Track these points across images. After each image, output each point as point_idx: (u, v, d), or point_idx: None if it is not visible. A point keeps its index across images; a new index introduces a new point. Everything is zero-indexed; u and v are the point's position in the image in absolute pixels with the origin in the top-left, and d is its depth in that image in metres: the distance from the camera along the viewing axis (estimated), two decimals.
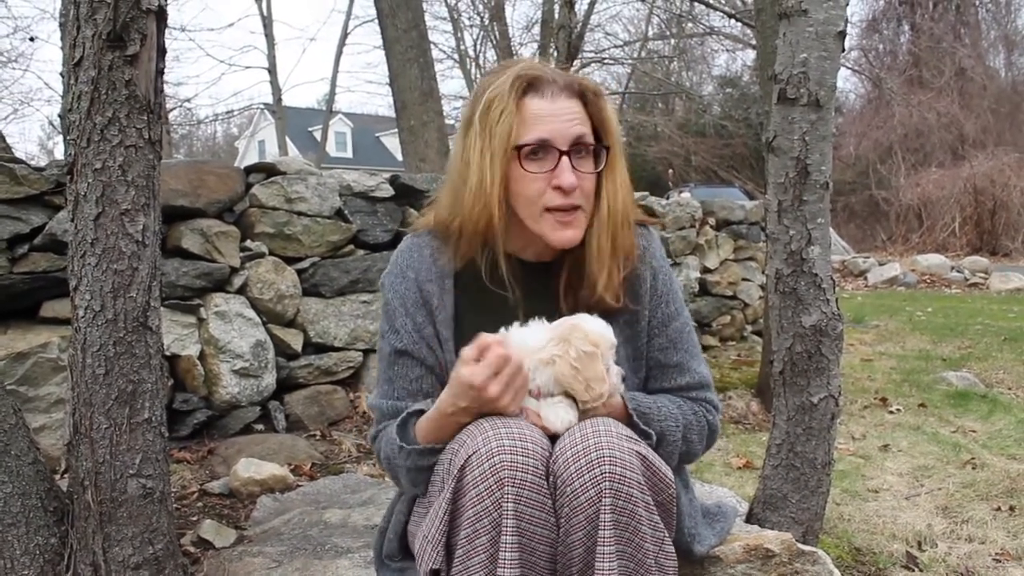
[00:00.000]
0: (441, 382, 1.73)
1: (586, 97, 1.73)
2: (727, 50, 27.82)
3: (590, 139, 1.71)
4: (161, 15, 2.09)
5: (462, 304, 1.82)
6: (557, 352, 1.61)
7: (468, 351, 1.56)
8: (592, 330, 1.64)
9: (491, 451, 1.48)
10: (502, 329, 1.67)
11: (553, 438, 1.59)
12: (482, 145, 1.69)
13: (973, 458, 4.08)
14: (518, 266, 1.79)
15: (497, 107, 1.68)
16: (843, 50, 2.37)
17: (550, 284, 1.79)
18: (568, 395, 1.63)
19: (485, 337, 1.57)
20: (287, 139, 26.32)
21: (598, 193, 1.75)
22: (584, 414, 1.63)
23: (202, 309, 3.84)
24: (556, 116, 1.68)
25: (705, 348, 6.82)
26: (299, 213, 4.22)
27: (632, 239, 1.78)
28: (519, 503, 1.47)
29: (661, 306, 1.84)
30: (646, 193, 6.76)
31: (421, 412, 1.70)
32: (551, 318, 1.69)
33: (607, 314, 1.75)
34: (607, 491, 1.47)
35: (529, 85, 1.69)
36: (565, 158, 1.67)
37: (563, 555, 1.53)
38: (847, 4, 2.34)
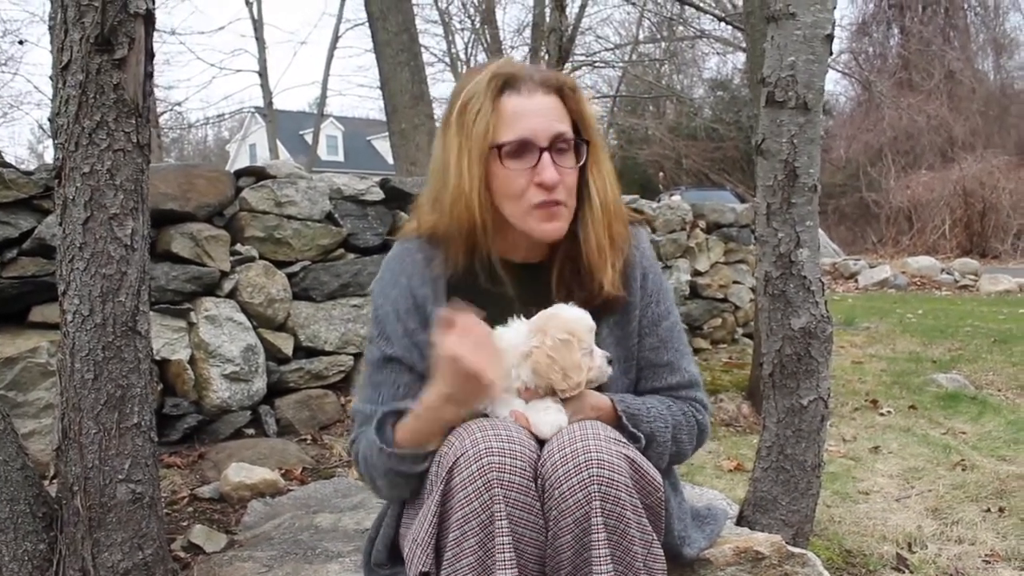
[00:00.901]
0: None
1: (564, 92, 1.73)
2: (718, 53, 27.91)
3: (570, 134, 1.71)
4: (149, 19, 2.09)
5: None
6: (534, 343, 1.62)
7: (437, 334, 1.55)
8: (568, 317, 1.64)
9: (479, 453, 1.48)
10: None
11: (541, 441, 1.59)
12: (459, 146, 1.69)
13: (963, 460, 4.09)
14: (509, 268, 1.79)
15: (473, 107, 1.68)
16: (831, 53, 2.38)
17: (542, 285, 1.78)
18: (554, 393, 1.63)
19: (446, 313, 1.56)
20: (278, 142, 26.22)
21: (585, 188, 1.75)
22: (568, 404, 1.64)
23: (192, 313, 3.83)
24: (535, 113, 1.68)
25: (696, 351, 6.82)
26: (289, 217, 4.22)
27: (626, 230, 1.80)
28: (508, 505, 1.47)
29: (651, 305, 1.84)
30: (636, 196, 6.77)
31: (398, 413, 1.69)
32: None
33: (597, 316, 1.75)
34: (595, 495, 1.48)
35: (506, 83, 1.69)
36: (546, 154, 1.67)
37: (551, 558, 1.53)
38: (834, 7, 2.35)
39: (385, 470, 1.67)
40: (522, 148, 1.68)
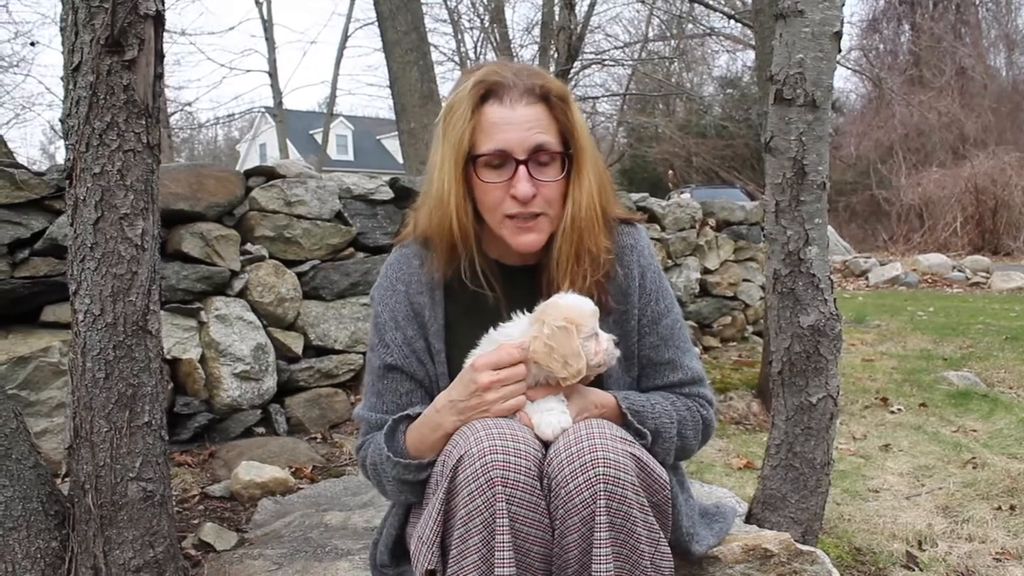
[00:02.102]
0: (430, 396, 1.74)
1: (550, 101, 1.69)
2: (727, 51, 27.85)
3: (553, 146, 1.68)
4: (159, 20, 2.10)
5: (452, 313, 1.82)
6: (533, 333, 1.61)
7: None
8: (566, 305, 1.63)
9: (483, 451, 1.49)
10: (491, 329, 1.68)
11: (546, 440, 1.59)
12: (443, 153, 1.69)
13: (974, 457, 4.08)
14: (501, 270, 1.80)
15: (455, 114, 1.68)
16: (839, 51, 2.38)
17: (534, 287, 1.78)
18: (558, 384, 1.63)
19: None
20: (288, 142, 26.34)
21: (566, 199, 1.73)
22: (573, 401, 1.64)
23: (203, 312, 3.84)
24: (515, 124, 1.65)
25: (706, 349, 6.82)
26: (299, 216, 4.23)
27: (601, 244, 1.75)
28: (511, 503, 1.47)
29: (651, 304, 1.83)
30: (646, 194, 6.76)
31: (409, 418, 1.71)
32: None
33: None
34: (601, 493, 1.48)
35: (488, 91, 1.67)
36: (522, 168, 1.65)
37: (558, 557, 1.53)
38: (843, 4, 2.34)
39: (393, 477, 1.70)
40: (499, 160, 1.67)
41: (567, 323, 1.59)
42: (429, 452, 1.64)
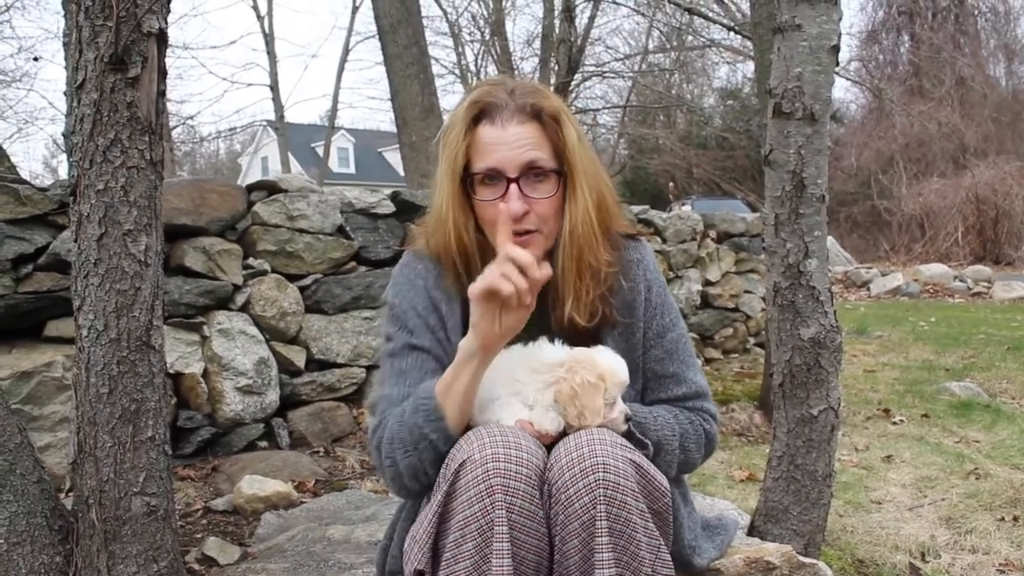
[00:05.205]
0: None
1: (542, 119, 1.72)
2: (727, 62, 27.86)
3: (546, 163, 1.71)
4: (162, 38, 2.12)
5: (467, 321, 1.83)
6: (563, 374, 1.64)
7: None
8: (604, 363, 1.66)
9: (485, 458, 1.50)
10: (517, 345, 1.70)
11: (548, 448, 1.60)
12: (441, 173, 1.74)
13: (977, 468, 4.07)
14: None
15: (450, 134, 1.73)
16: (837, 64, 2.40)
17: (541, 299, 1.80)
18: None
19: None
20: (290, 155, 26.37)
21: (562, 216, 1.75)
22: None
23: (205, 327, 3.86)
24: (505, 144, 1.69)
25: (708, 361, 6.82)
26: (301, 230, 4.25)
27: (602, 258, 1.77)
28: (510, 511, 1.49)
29: (656, 318, 1.85)
30: (647, 207, 6.78)
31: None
32: (544, 332, 1.72)
33: (599, 328, 1.77)
34: (601, 498, 1.49)
35: (481, 112, 1.71)
36: (513, 185, 1.68)
37: (559, 564, 1.54)
38: (840, 18, 2.36)
39: (414, 440, 1.63)
40: (492, 178, 1.71)
41: (600, 380, 1.63)
42: (450, 401, 1.61)
